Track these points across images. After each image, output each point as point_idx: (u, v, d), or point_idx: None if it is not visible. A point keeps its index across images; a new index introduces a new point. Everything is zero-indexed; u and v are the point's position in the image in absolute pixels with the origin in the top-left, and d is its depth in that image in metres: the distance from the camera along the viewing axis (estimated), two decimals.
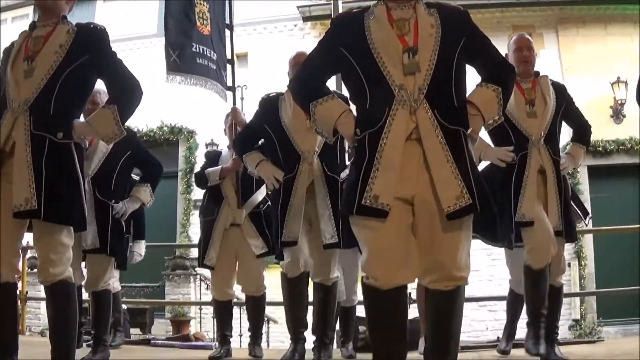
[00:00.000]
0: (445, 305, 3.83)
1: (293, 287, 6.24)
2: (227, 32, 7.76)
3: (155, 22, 18.11)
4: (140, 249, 8.55)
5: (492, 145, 6.01)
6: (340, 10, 9.66)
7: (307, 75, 4.19)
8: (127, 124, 4.74)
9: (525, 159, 5.86)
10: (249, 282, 7.22)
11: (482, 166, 5.89)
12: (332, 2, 10.00)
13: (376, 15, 3.95)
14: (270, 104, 6.23)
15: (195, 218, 15.96)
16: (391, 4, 3.96)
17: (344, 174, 6.04)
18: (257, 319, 7.41)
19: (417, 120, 3.75)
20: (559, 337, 6.27)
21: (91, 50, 4.49)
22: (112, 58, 4.63)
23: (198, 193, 16.34)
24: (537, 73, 6.16)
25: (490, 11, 15.01)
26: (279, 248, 6.16)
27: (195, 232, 16.43)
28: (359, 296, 7.58)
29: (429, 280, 3.84)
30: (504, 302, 7.42)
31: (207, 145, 16.08)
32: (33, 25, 4.64)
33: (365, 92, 3.87)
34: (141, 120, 14.79)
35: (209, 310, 13.47)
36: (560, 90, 6.21)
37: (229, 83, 7.58)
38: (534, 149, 5.87)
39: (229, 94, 7.53)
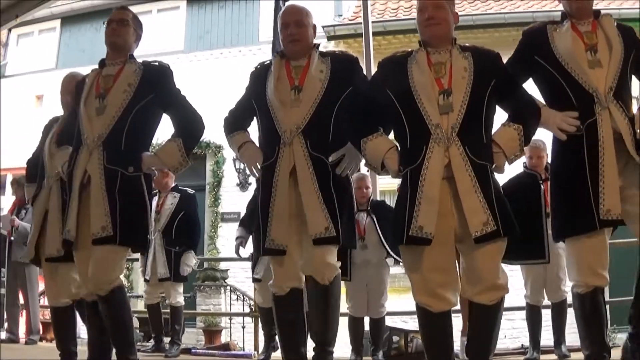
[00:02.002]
0: (489, 317, 4.34)
1: (283, 309, 5.07)
2: None
3: (182, 38, 18.65)
4: (189, 260, 9.00)
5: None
6: (371, 31, 10.09)
7: (361, 113, 4.58)
8: None
9: (594, 131, 4.50)
10: None
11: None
12: (362, 23, 10.34)
13: (417, 59, 4.38)
14: (258, 75, 5.18)
15: (222, 230, 16.48)
16: (430, 49, 4.41)
17: (336, 156, 4.86)
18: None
19: (450, 155, 4.18)
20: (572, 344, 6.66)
21: (157, 88, 4.91)
22: (177, 94, 5.07)
23: (225, 206, 16.81)
24: (598, 13, 4.80)
25: (507, 30, 15.30)
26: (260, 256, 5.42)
27: (222, 244, 16.83)
28: (387, 307, 8.10)
29: (472, 293, 4.34)
30: (521, 312, 7.92)
31: (234, 160, 16.50)
32: (102, 63, 5.03)
33: (406, 130, 4.32)
34: (169, 136, 14.82)
35: (239, 321, 13.82)
36: (627, 32, 4.78)
37: None
38: (602, 111, 4.48)
39: None
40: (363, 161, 4.77)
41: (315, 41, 5.10)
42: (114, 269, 4.86)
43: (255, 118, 5.17)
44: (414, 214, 4.15)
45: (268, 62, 5.21)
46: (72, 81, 5.54)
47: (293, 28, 4.93)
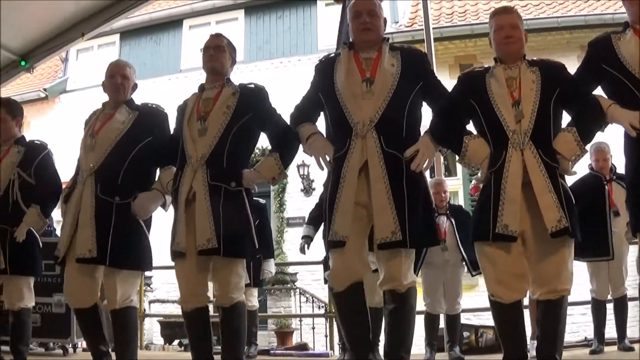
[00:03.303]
0: (553, 311, 4.66)
1: (345, 305, 4.97)
2: None
3: (242, 48, 18.67)
4: (270, 266, 9.39)
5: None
6: (432, 37, 10.29)
7: (449, 120, 4.92)
8: None
9: None
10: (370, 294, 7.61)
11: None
12: (424, 30, 10.49)
13: (495, 74, 4.79)
14: (325, 67, 5.15)
15: (288, 235, 16.76)
16: (505, 65, 4.82)
17: (411, 151, 4.78)
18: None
19: (525, 158, 4.57)
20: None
21: (254, 108, 5.22)
22: (272, 113, 5.36)
23: (290, 211, 17.07)
24: None
25: (560, 33, 15.38)
26: (326, 249, 5.28)
27: (289, 249, 17.12)
28: (466, 305, 8.34)
29: (539, 294, 4.69)
30: (580, 307, 8.18)
31: (298, 166, 16.81)
32: (202, 87, 5.40)
33: (487, 137, 4.73)
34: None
35: (308, 322, 14.15)
36: None
37: None
38: None
39: None
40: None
41: (385, 35, 5.19)
42: (237, 283, 5.23)
43: (322, 111, 5.19)
44: (498, 213, 4.51)
45: (333, 55, 5.25)
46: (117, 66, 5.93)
47: (366, 17, 4.97)
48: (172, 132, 5.60)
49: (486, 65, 4.99)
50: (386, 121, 4.76)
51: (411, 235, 4.64)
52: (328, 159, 4.89)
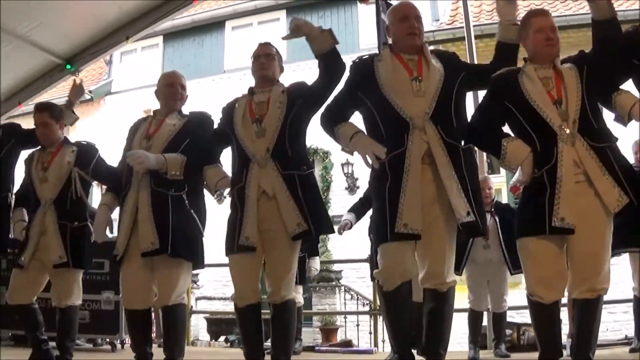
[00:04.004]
0: (590, 310, 4.68)
1: (393, 303, 4.95)
2: None
3: (284, 48, 18.77)
4: (316, 264, 9.63)
5: None
6: (473, 34, 10.31)
7: (484, 124, 4.99)
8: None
9: None
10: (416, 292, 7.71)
11: None
12: (464, 28, 10.51)
13: (527, 73, 4.83)
14: (363, 67, 5.09)
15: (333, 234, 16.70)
16: (536, 65, 4.87)
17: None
18: None
19: (577, 150, 4.62)
20: None
21: (298, 100, 5.35)
22: (317, 94, 5.49)
23: (335, 209, 17.09)
24: None
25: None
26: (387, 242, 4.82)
27: (333, 246, 17.25)
28: (509, 302, 8.42)
29: (577, 293, 4.70)
30: (622, 305, 8.10)
31: (342, 165, 16.92)
32: (252, 91, 5.54)
33: (532, 135, 4.73)
34: None
35: (352, 319, 14.25)
36: None
37: None
38: None
39: None
40: None
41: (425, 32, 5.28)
42: (290, 280, 5.36)
43: (357, 110, 5.14)
44: (554, 208, 4.53)
45: (367, 56, 5.18)
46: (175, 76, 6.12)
47: (414, 21, 5.05)
48: (217, 130, 5.76)
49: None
50: (439, 113, 4.81)
51: (480, 220, 4.79)
52: (376, 156, 4.77)
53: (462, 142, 4.86)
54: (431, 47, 5.19)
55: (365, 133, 4.98)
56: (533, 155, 4.69)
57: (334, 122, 5.10)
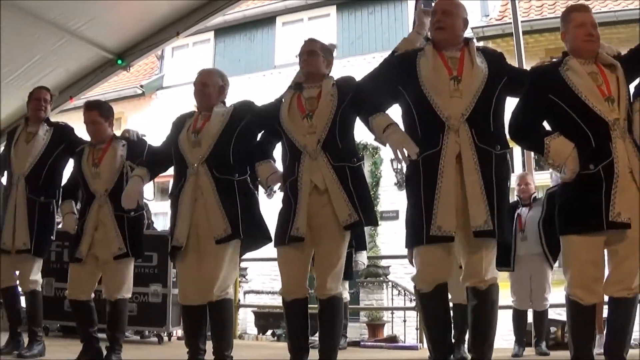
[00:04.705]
0: (626, 309, 4.68)
1: (431, 306, 4.89)
2: None
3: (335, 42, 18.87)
4: (363, 258, 9.69)
5: None
6: (521, 30, 10.28)
7: (526, 121, 4.93)
8: None
9: None
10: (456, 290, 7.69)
11: None
12: (512, 24, 10.48)
13: (574, 68, 4.77)
14: (406, 60, 5.00)
15: (382, 228, 16.65)
16: (580, 59, 4.82)
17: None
18: None
19: (626, 146, 4.61)
20: None
21: (347, 95, 5.39)
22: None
23: (384, 205, 17.17)
24: None
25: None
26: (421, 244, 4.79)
27: (382, 242, 17.27)
28: (553, 299, 8.36)
29: (614, 291, 4.69)
30: None
31: (391, 160, 16.90)
32: (300, 87, 5.61)
33: (585, 131, 4.66)
34: None
35: (399, 315, 14.27)
36: None
37: None
38: None
39: None
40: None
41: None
42: (338, 275, 5.45)
43: (396, 103, 5.05)
44: (610, 203, 4.50)
45: (411, 50, 5.12)
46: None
47: (440, 15, 4.92)
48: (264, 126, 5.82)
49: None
50: (476, 116, 4.71)
51: (499, 228, 4.64)
52: (407, 153, 4.69)
53: (498, 147, 4.74)
54: (480, 44, 5.18)
55: (402, 127, 4.91)
56: (587, 151, 4.62)
57: (371, 112, 4.97)
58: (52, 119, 7.21)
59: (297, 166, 5.37)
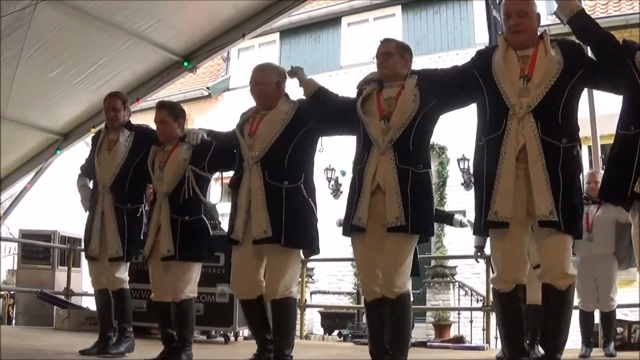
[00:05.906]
0: None
1: (509, 306, 4.90)
2: None
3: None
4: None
5: None
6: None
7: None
8: None
9: None
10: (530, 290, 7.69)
11: None
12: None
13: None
14: (486, 51, 5.21)
15: (449, 229, 16.56)
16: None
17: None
18: None
19: None
20: None
21: (431, 99, 5.33)
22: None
23: (451, 205, 17.14)
24: None
25: None
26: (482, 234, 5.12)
27: (449, 242, 17.22)
28: (620, 300, 8.24)
29: None
30: None
31: (458, 160, 16.85)
32: (381, 86, 5.55)
33: None
34: None
35: (466, 315, 14.21)
36: None
37: None
38: None
39: None
40: None
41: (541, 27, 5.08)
42: (403, 273, 5.33)
43: (475, 97, 5.11)
44: None
45: (491, 45, 5.30)
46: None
47: (516, 18, 4.85)
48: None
49: None
50: (543, 109, 4.68)
51: (564, 220, 4.56)
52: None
53: (564, 140, 4.66)
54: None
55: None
56: None
57: None
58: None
59: (367, 156, 5.35)
